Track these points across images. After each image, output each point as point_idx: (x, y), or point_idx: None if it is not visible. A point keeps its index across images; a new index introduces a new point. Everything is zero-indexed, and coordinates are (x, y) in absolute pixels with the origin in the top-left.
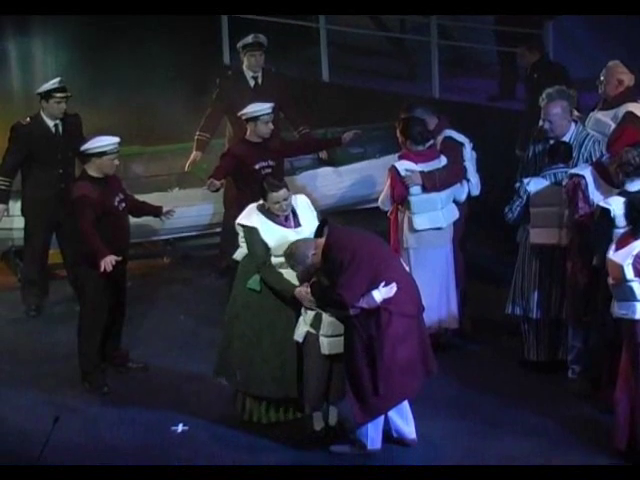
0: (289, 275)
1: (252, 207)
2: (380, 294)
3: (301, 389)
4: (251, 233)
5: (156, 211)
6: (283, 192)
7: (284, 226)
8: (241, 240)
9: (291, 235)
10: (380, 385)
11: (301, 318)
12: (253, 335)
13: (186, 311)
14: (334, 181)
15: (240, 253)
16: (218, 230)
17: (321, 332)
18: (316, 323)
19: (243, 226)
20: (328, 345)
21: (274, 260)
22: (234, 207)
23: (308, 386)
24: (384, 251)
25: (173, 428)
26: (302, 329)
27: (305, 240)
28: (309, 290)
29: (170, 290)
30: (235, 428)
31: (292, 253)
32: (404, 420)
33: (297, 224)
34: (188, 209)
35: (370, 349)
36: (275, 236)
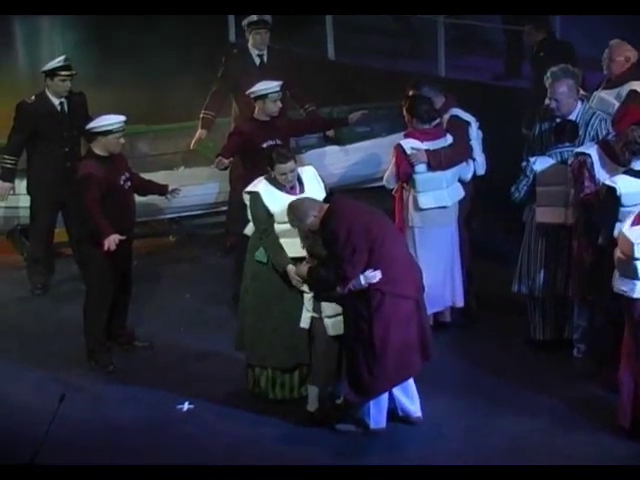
0: (290, 244)
1: (259, 178)
2: (364, 278)
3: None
4: (254, 199)
5: (162, 190)
6: (290, 164)
7: (288, 193)
8: (250, 213)
9: (291, 199)
10: (374, 367)
11: (304, 306)
12: (263, 307)
13: (192, 289)
14: (340, 159)
15: (250, 228)
16: (224, 209)
17: (323, 314)
18: (317, 306)
19: (248, 193)
20: (332, 326)
21: (277, 227)
22: (240, 185)
23: (318, 368)
24: (384, 229)
25: (179, 406)
26: (306, 315)
27: (312, 200)
28: (304, 270)
29: (176, 268)
30: (240, 406)
31: (295, 207)
32: (409, 398)
33: (302, 191)
34: (194, 188)
35: (361, 330)
36: (278, 202)
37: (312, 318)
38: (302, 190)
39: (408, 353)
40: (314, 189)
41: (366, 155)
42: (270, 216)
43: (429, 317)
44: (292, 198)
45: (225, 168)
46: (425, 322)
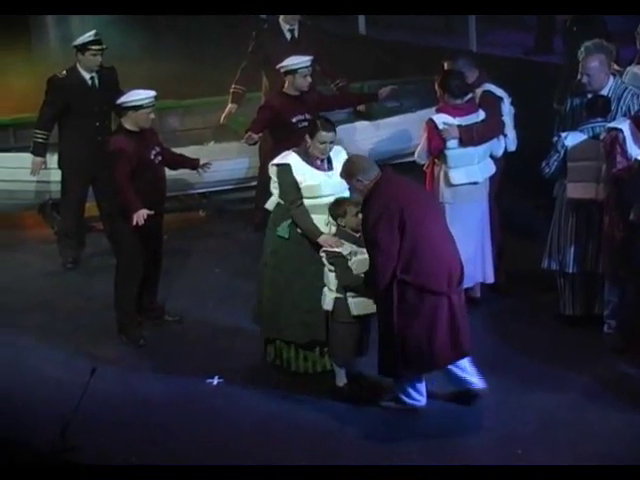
0: (318, 221)
1: (288, 151)
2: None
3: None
4: (283, 171)
5: (193, 164)
6: (333, 134)
7: (317, 168)
8: (273, 186)
9: (322, 178)
10: (393, 352)
11: (325, 288)
12: (283, 281)
13: (222, 264)
14: (370, 135)
15: (272, 202)
16: (254, 184)
17: (348, 294)
18: (341, 287)
19: (276, 165)
20: (356, 306)
21: (305, 202)
22: (269, 160)
23: (335, 349)
24: (424, 212)
25: (208, 380)
26: (329, 297)
27: (371, 165)
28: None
29: (206, 243)
30: (270, 380)
31: (352, 160)
32: (468, 373)
33: (330, 168)
34: (224, 162)
35: (384, 314)
36: (307, 175)
37: (336, 299)
38: (330, 168)
39: (433, 346)
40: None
41: (397, 130)
42: (298, 190)
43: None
44: (320, 174)
45: (254, 143)
46: (458, 319)
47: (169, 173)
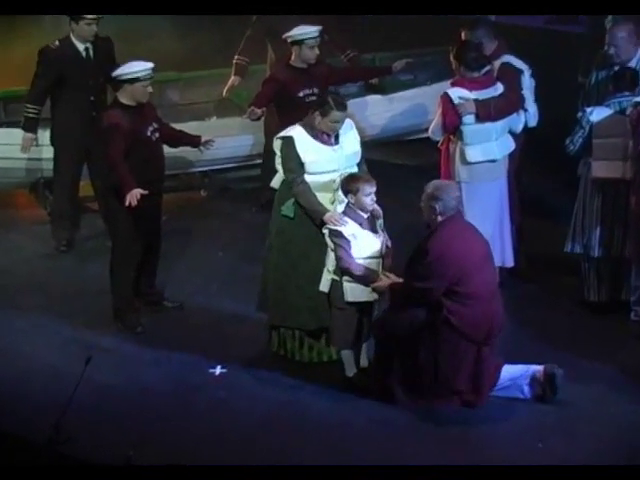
0: (322, 199)
1: (294, 125)
2: None
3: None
4: (286, 144)
5: (194, 141)
6: (345, 114)
7: (322, 142)
8: (278, 162)
9: (328, 152)
10: (409, 380)
11: (325, 268)
12: (287, 264)
13: (225, 247)
14: (382, 109)
15: (277, 180)
16: (258, 162)
17: (344, 278)
18: (338, 268)
19: (280, 138)
20: (351, 291)
21: (309, 179)
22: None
23: (333, 334)
24: (479, 269)
25: (211, 370)
26: (326, 277)
27: (457, 201)
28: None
29: (208, 225)
30: (275, 369)
31: (444, 185)
32: (519, 379)
33: (336, 142)
34: (227, 139)
35: (413, 340)
36: (311, 149)
37: (332, 281)
38: (337, 142)
39: (447, 390)
40: (350, 142)
41: (410, 105)
42: (301, 165)
43: (494, 365)
44: (326, 149)
45: (258, 118)
46: (486, 370)
47: (168, 151)
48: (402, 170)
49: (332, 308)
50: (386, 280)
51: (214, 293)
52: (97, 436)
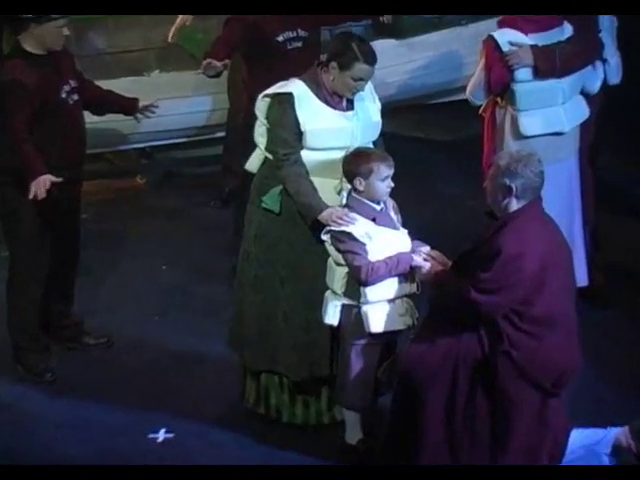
0: (324, 188)
1: (291, 79)
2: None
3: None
4: (280, 105)
5: (129, 106)
6: (374, 69)
7: (331, 106)
8: (259, 132)
9: (339, 120)
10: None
11: (328, 291)
12: (270, 281)
13: (172, 258)
14: (399, 59)
15: (255, 160)
16: (220, 135)
17: (362, 300)
18: (351, 288)
19: (270, 97)
20: (374, 318)
21: (308, 157)
22: (244, 100)
23: (345, 384)
24: (565, 281)
25: (151, 435)
26: (334, 304)
27: (542, 178)
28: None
29: (147, 226)
30: (243, 432)
31: (525, 156)
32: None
33: (349, 107)
34: (174, 103)
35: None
36: (316, 115)
37: (344, 307)
38: (350, 107)
39: (504, 451)
40: (368, 110)
41: (438, 53)
42: (299, 137)
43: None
44: (337, 116)
45: (218, 74)
46: (552, 432)
47: (91, 119)
48: (424, 148)
49: (343, 346)
50: (434, 263)
51: (156, 323)
52: None
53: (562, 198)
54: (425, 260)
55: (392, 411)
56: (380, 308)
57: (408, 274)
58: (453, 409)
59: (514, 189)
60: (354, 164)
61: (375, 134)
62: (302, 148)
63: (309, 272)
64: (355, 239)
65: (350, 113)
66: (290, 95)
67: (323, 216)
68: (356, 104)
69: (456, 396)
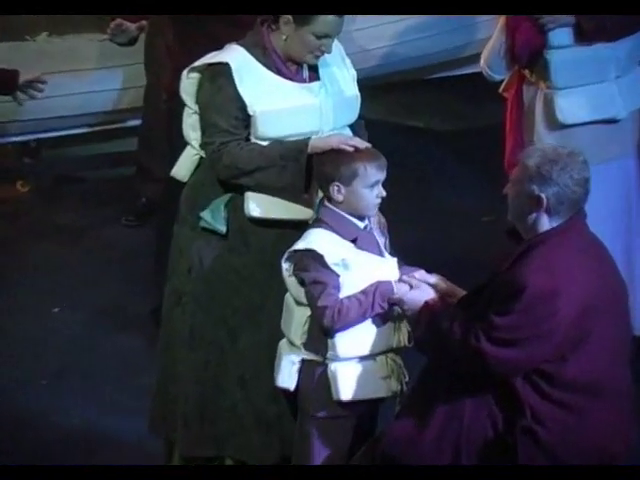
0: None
1: (228, 46)
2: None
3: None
4: (214, 81)
5: (4, 81)
6: (342, 21)
7: (287, 77)
8: (187, 122)
9: (298, 94)
10: None
11: (283, 342)
12: (218, 332)
13: (66, 296)
14: (383, 19)
15: (187, 162)
16: (133, 124)
17: (329, 354)
18: (316, 338)
19: (199, 71)
20: (347, 381)
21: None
22: (168, 76)
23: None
24: (616, 326)
25: None
26: (289, 360)
27: (586, 190)
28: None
29: (32, 251)
30: None
31: (554, 154)
32: None
33: (312, 77)
34: (69, 79)
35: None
36: (265, 91)
37: (304, 364)
38: (315, 77)
39: None
40: (339, 79)
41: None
42: (241, 122)
43: None
44: (296, 88)
45: (132, 41)
46: None
47: None
48: (420, 141)
49: (302, 420)
50: (424, 289)
51: (43, 389)
52: None
53: (616, 212)
54: (414, 288)
55: None
56: (354, 367)
57: (395, 318)
58: None
59: (545, 201)
60: (330, 164)
61: (352, 115)
62: (248, 132)
63: (272, 317)
64: (326, 266)
65: (315, 85)
66: (226, 66)
67: (318, 145)
68: (322, 72)
69: None
